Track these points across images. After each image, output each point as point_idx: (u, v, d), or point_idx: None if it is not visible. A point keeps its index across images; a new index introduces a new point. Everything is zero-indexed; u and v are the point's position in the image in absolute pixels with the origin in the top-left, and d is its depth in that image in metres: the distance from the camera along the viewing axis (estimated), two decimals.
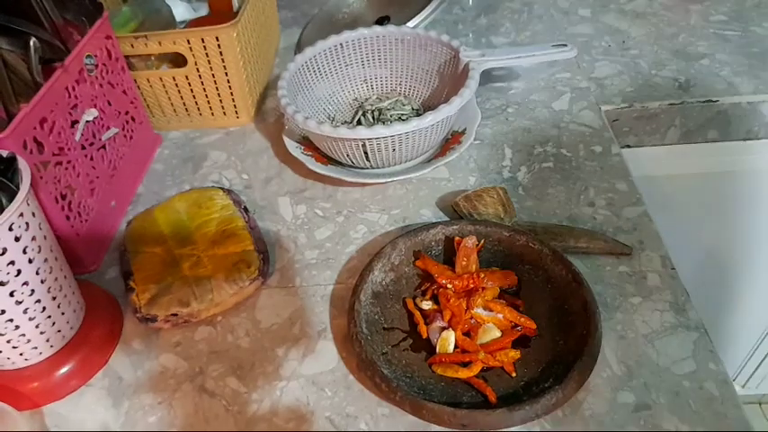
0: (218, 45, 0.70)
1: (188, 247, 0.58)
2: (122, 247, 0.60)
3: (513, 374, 0.48)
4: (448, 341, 0.50)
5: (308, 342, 0.53)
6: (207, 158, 0.75)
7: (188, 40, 0.70)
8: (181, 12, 0.86)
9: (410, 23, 0.79)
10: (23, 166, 0.45)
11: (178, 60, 0.73)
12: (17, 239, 0.43)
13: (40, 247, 0.45)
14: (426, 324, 0.52)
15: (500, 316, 0.50)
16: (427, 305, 0.53)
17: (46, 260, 0.46)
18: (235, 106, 0.77)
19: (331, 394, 0.49)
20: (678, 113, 0.76)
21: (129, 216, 0.67)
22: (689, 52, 0.84)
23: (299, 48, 0.92)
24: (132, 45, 0.70)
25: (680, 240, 0.74)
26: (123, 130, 0.68)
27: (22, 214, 0.43)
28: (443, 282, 0.53)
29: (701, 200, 0.88)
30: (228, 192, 0.65)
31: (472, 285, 0.52)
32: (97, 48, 0.63)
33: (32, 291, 0.45)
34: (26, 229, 0.44)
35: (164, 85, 0.75)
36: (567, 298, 0.51)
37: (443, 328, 0.50)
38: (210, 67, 0.72)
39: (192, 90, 0.75)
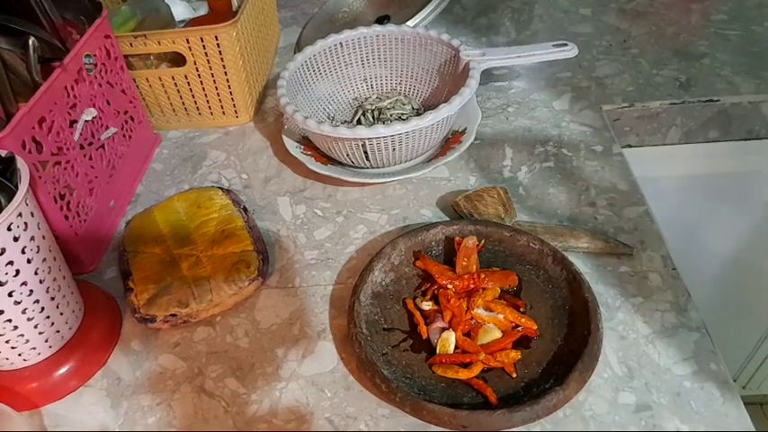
0: (218, 44, 0.70)
1: (187, 248, 0.58)
2: (121, 247, 0.60)
3: (514, 375, 0.48)
4: (448, 342, 0.49)
5: (308, 343, 0.53)
6: (206, 158, 0.74)
7: (187, 40, 0.69)
8: (180, 11, 0.86)
9: (410, 22, 0.79)
10: (22, 165, 0.45)
11: (177, 60, 0.73)
12: (16, 239, 0.43)
13: (38, 247, 0.45)
14: (426, 324, 0.51)
15: (500, 316, 0.50)
16: (427, 305, 0.52)
17: (44, 260, 0.46)
18: (234, 106, 0.77)
19: (331, 395, 0.49)
20: (679, 113, 0.76)
21: (128, 216, 0.67)
22: (690, 51, 0.83)
23: (298, 47, 0.92)
24: (131, 44, 0.70)
25: (681, 240, 0.74)
26: (122, 129, 0.68)
27: (20, 214, 0.43)
28: (444, 282, 0.53)
29: (702, 200, 0.88)
30: (228, 191, 0.65)
31: (473, 286, 0.52)
32: (96, 47, 0.63)
33: (31, 291, 0.45)
34: (25, 229, 0.44)
35: (163, 85, 0.74)
36: (568, 298, 0.51)
37: (444, 329, 0.50)
38: (210, 67, 0.72)
39: (191, 89, 0.75)
